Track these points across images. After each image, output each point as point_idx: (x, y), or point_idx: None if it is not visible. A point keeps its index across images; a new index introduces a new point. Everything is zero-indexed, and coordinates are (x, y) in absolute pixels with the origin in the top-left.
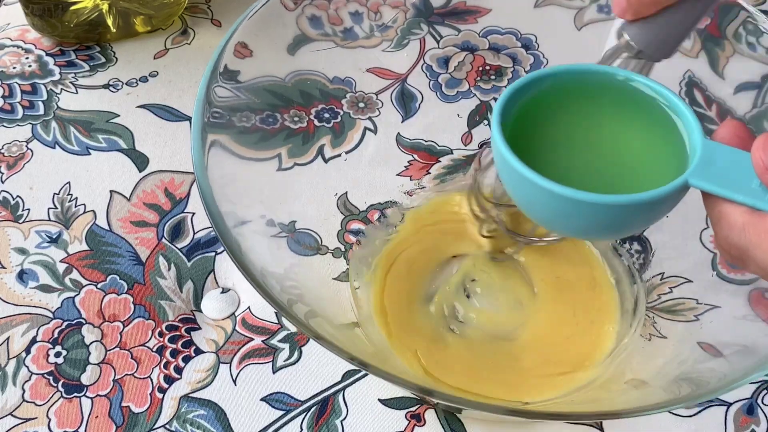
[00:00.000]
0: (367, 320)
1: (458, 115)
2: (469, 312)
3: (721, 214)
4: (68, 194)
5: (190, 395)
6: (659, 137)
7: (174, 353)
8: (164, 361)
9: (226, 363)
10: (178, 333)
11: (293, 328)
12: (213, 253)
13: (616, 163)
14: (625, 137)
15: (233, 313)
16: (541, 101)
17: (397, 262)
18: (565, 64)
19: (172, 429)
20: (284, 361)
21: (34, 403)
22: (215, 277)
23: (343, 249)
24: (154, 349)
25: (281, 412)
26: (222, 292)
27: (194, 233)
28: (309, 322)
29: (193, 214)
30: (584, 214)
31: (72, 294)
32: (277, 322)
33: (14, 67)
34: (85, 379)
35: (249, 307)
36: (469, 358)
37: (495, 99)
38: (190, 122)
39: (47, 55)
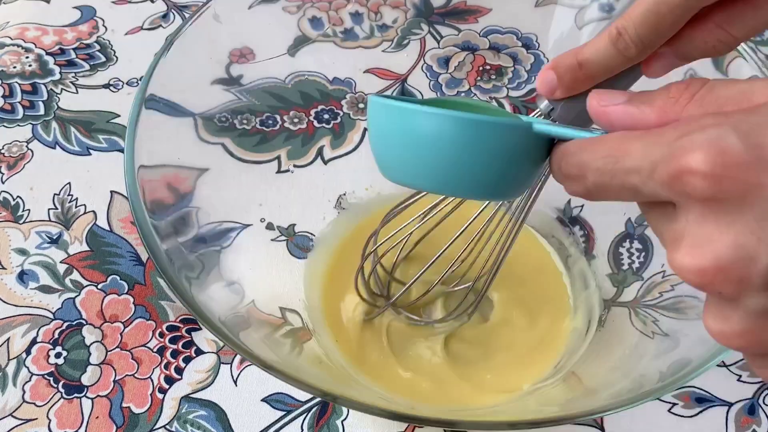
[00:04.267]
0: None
1: None
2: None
3: (563, 151)
4: (69, 195)
5: (191, 396)
6: None
7: (175, 354)
8: (165, 361)
9: (227, 363)
10: (179, 333)
11: (296, 324)
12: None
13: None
14: None
15: None
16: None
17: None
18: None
19: (173, 429)
20: None
21: (34, 404)
22: None
23: None
24: (155, 350)
25: (282, 413)
26: None
27: None
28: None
29: None
30: (433, 143)
31: (72, 295)
32: (280, 317)
33: (14, 67)
34: (85, 379)
35: (253, 301)
36: (433, 363)
37: (495, 98)
38: (193, 118)
39: (47, 54)
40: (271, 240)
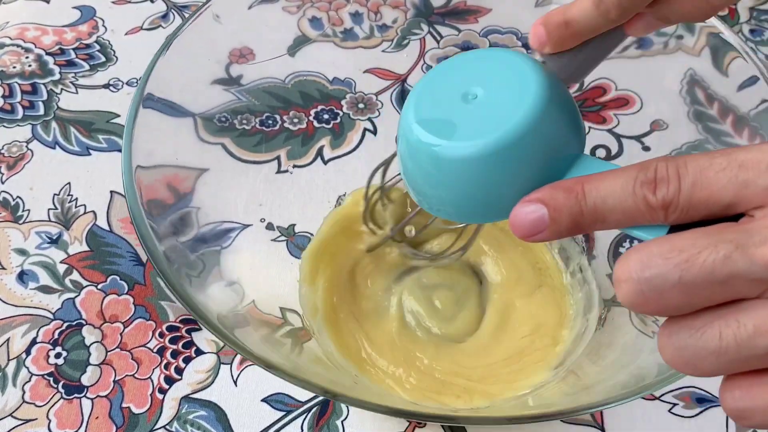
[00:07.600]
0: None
1: None
2: (426, 317)
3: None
4: (68, 195)
5: (191, 396)
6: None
7: (174, 354)
8: (165, 361)
9: (227, 364)
10: (179, 334)
11: (296, 324)
12: None
13: None
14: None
15: None
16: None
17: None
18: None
19: (173, 430)
20: None
21: (34, 404)
22: None
23: None
24: (155, 350)
25: (282, 413)
26: None
27: None
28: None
29: None
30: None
31: (72, 295)
32: (281, 317)
33: (14, 67)
34: (85, 379)
35: (253, 301)
36: (433, 364)
37: None
38: (193, 119)
39: (47, 54)
40: (271, 240)
